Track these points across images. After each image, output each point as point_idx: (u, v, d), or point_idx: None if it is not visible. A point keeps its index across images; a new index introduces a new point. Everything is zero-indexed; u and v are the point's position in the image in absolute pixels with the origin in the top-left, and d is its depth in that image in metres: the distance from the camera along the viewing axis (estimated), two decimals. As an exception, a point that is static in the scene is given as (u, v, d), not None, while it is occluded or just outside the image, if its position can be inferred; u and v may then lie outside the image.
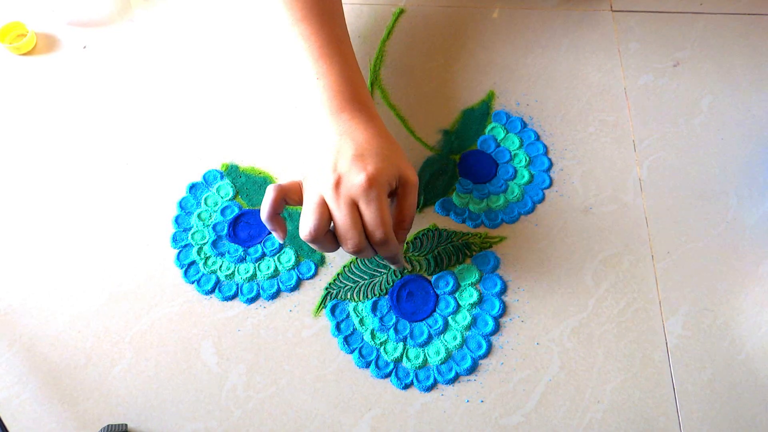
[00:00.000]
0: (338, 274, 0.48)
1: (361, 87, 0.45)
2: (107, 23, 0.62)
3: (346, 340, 0.45)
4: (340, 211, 0.39)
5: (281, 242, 0.45)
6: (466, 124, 0.54)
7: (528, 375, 0.44)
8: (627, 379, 0.43)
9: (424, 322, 0.46)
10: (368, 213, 0.40)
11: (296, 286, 0.47)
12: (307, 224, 0.40)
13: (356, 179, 0.39)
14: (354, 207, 0.40)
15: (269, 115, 0.56)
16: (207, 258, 0.49)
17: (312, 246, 0.42)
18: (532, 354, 0.44)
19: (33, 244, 0.50)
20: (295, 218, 0.50)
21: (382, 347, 0.45)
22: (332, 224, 0.41)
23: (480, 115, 0.55)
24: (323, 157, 0.41)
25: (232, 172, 0.53)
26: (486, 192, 0.51)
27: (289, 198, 0.42)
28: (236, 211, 0.51)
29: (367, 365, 0.44)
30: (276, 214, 0.42)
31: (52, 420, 0.43)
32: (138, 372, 0.44)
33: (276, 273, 0.48)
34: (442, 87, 0.57)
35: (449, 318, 0.46)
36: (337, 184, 0.39)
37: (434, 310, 0.46)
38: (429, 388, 0.43)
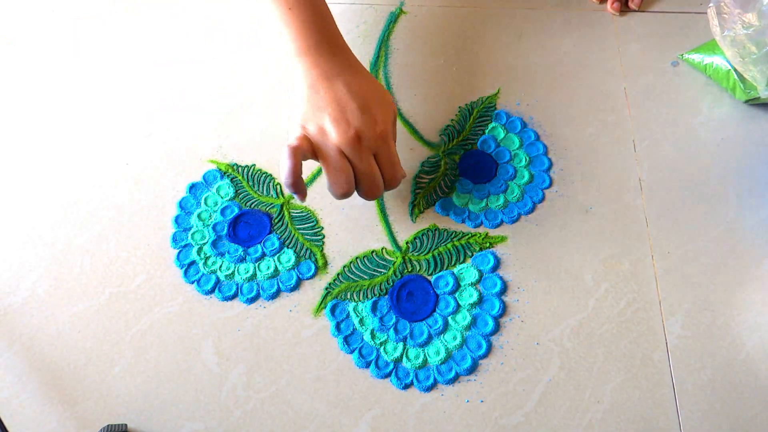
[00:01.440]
0: (338, 274, 0.48)
1: (335, 29, 0.47)
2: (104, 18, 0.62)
3: (346, 340, 0.45)
4: (363, 163, 0.43)
5: (302, 202, 0.48)
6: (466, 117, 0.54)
7: (528, 375, 0.44)
8: (627, 379, 0.43)
9: (424, 322, 0.46)
10: (385, 160, 0.45)
11: (296, 286, 0.47)
12: (339, 183, 0.43)
13: (372, 132, 0.43)
14: (372, 157, 0.44)
15: (270, 115, 0.56)
16: (207, 258, 0.49)
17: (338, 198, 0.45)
18: (532, 354, 0.44)
19: (33, 244, 0.50)
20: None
21: (382, 347, 0.45)
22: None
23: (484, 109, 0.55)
24: (328, 109, 0.43)
25: (232, 171, 0.53)
26: (486, 192, 0.51)
27: (305, 156, 0.43)
28: (236, 211, 0.51)
29: (367, 365, 0.44)
30: (300, 178, 0.42)
31: (52, 420, 0.43)
32: (138, 372, 0.44)
33: (276, 273, 0.48)
34: (443, 87, 0.57)
35: (449, 318, 0.46)
36: (357, 138, 0.43)
37: (434, 310, 0.46)
38: (429, 388, 0.43)
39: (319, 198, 0.51)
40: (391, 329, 0.45)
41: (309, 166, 0.53)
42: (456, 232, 0.49)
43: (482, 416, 0.42)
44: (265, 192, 0.52)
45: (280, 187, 0.52)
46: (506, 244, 0.49)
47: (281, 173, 0.41)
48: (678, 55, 0.57)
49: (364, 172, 0.44)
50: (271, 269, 0.48)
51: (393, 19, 0.61)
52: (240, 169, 0.53)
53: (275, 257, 0.49)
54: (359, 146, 0.43)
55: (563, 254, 0.48)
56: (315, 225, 0.50)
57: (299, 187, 0.42)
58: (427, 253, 0.48)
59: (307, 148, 0.43)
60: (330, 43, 0.46)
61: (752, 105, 0.54)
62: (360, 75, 0.46)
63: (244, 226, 0.50)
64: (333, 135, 0.43)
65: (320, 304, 0.47)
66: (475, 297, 0.46)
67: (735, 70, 0.52)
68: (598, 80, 0.57)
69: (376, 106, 0.44)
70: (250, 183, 0.52)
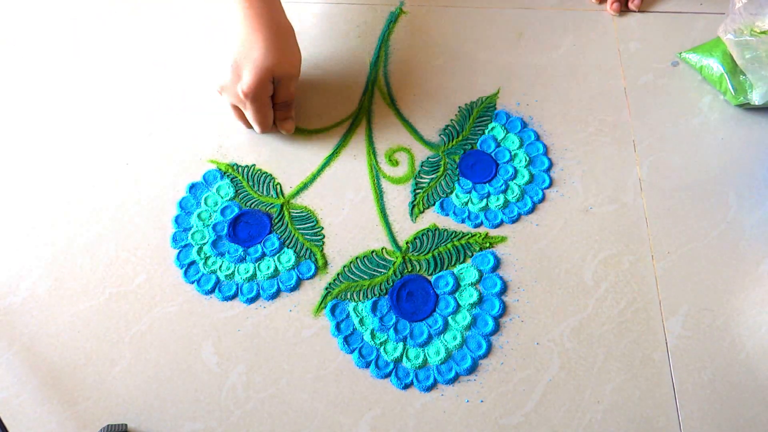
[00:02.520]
0: (338, 274, 0.48)
1: None
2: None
3: (346, 340, 0.45)
4: (231, 108, 0.53)
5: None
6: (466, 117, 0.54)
7: (528, 375, 0.44)
8: (627, 379, 0.43)
9: (424, 322, 0.46)
10: (250, 114, 0.51)
11: (296, 286, 0.47)
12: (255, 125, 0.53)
13: (233, 90, 0.49)
14: (238, 108, 0.52)
15: (269, 115, 0.56)
16: (207, 258, 0.49)
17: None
18: (532, 354, 0.44)
19: (33, 245, 0.50)
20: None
21: (382, 347, 0.45)
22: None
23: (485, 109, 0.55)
24: (222, 54, 0.49)
25: (232, 171, 0.53)
26: (486, 192, 0.51)
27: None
28: (236, 211, 0.51)
29: (367, 365, 0.44)
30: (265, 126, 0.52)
31: (52, 420, 0.43)
32: (138, 372, 0.44)
33: (276, 273, 0.48)
34: (442, 87, 0.57)
35: (449, 318, 0.46)
36: (220, 90, 0.50)
37: (434, 310, 0.46)
38: (429, 388, 0.43)
39: (319, 198, 0.51)
40: (391, 329, 0.45)
41: (309, 168, 0.53)
42: (456, 232, 0.49)
43: (482, 416, 0.42)
44: (265, 192, 0.52)
45: (280, 187, 0.52)
46: (506, 244, 0.49)
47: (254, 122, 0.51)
48: (677, 54, 0.57)
49: (232, 113, 0.53)
50: (271, 269, 0.48)
51: (393, 19, 0.61)
52: (240, 169, 0.53)
53: (275, 257, 0.49)
54: (222, 96, 0.51)
55: (563, 254, 0.48)
56: (315, 225, 0.50)
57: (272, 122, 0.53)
58: (427, 253, 0.48)
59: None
60: None
61: (703, 93, 0.55)
62: (262, 26, 0.48)
63: (244, 226, 0.50)
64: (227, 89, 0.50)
65: (320, 304, 0.47)
66: (475, 297, 0.46)
67: (728, 74, 0.53)
68: (598, 80, 0.57)
69: (248, 66, 0.48)
70: (250, 183, 0.52)
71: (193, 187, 0.52)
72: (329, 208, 0.51)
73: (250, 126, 0.53)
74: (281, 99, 0.52)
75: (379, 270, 0.48)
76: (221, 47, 0.49)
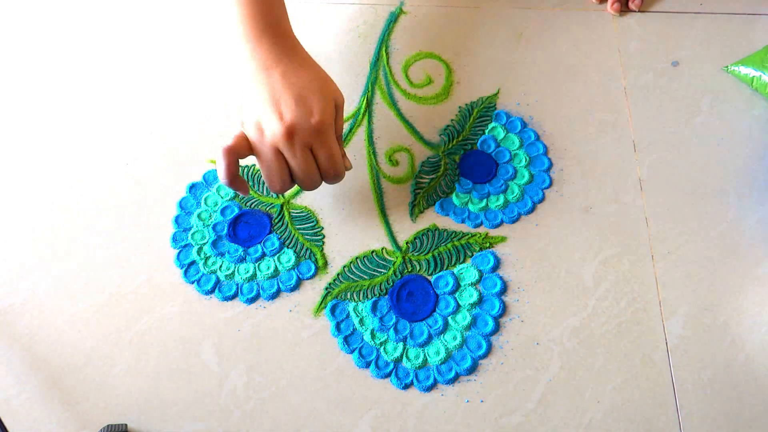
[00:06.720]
0: (338, 274, 0.48)
1: (282, 13, 0.45)
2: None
3: (346, 340, 0.45)
4: (297, 159, 0.42)
5: (246, 195, 0.48)
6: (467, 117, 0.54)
7: (528, 375, 0.44)
8: (627, 379, 0.43)
9: (424, 322, 0.46)
10: (322, 154, 0.43)
11: (296, 286, 0.47)
12: (272, 180, 0.43)
13: (306, 125, 0.41)
14: (308, 151, 0.42)
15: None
16: (207, 258, 0.49)
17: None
18: (532, 354, 0.44)
19: (33, 245, 0.50)
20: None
21: (382, 347, 0.45)
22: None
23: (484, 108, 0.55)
24: (263, 103, 0.42)
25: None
26: (486, 192, 0.51)
27: (241, 155, 0.42)
28: (236, 211, 0.51)
29: (367, 365, 0.44)
30: (235, 177, 0.42)
31: (52, 420, 0.43)
32: (138, 372, 0.44)
33: (276, 273, 0.48)
34: (442, 87, 0.57)
35: (449, 318, 0.46)
36: (290, 133, 0.41)
37: (434, 310, 0.46)
38: (429, 388, 0.43)
39: (319, 198, 0.51)
40: (391, 329, 0.45)
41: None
42: (456, 232, 0.49)
43: (482, 416, 0.42)
44: (265, 192, 0.52)
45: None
46: (506, 244, 0.49)
47: (218, 174, 0.42)
48: (723, 67, 0.56)
49: (298, 167, 0.42)
50: (271, 269, 0.48)
51: (393, 19, 0.61)
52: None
53: (275, 257, 0.49)
54: (292, 141, 0.41)
55: (563, 254, 0.48)
56: (315, 225, 0.50)
57: (237, 185, 0.42)
58: (427, 253, 0.48)
59: (244, 147, 0.42)
60: (274, 29, 0.44)
61: (752, 105, 0.54)
62: (299, 63, 0.44)
63: (244, 226, 0.50)
64: (267, 131, 0.41)
65: (320, 304, 0.47)
66: (475, 297, 0.46)
67: None
68: (598, 80, 0.57)
69: (314, 97, 0.42)
70: (250, 183, 0.52)
71: (193, 187, 0.52)
72: (329, 208, 0.51)
73: (282, 188, 0.44)
74: (338, 131, 0.45)
75: (379, 270, 0.48)
76: (263, 89, 0.42)
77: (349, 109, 0.55)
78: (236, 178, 0.42)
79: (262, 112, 0.41)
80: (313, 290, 0.47)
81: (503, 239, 0.49)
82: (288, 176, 0.43)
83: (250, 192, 0.52)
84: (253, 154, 0.43)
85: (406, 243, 0.49)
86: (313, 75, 0.43)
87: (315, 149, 0.42)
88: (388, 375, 0.44)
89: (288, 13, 0.46)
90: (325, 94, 0.43)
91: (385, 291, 0.47)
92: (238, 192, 0.43)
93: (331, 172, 0.44)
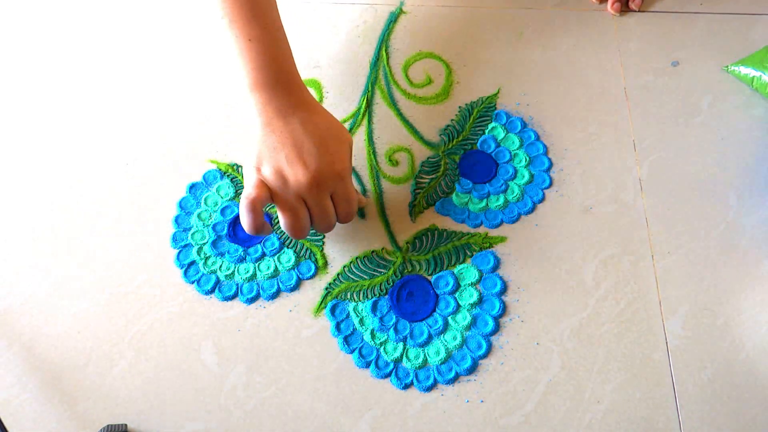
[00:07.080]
0: (338, 274, 0.48)
1: (292, 63, 0.45)
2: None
3: (346, 340, 0.45)
4: (319, 206, 0.43)
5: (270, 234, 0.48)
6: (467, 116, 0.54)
7: (528, 375, 0.44)
8: (627, 379, 0.43)
9: (424, 322, 0.46)
10: (342, 198, 0.44)
11: (296, 286, 0.47)
12: (295, 227, 0.43)
13: (330, 173, 0.42)
14: (329, 197, 0.43)
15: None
16: (207, 258, 0.49)
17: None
18: (532, 354, 0.44)
19: (33, 245, 0.50)
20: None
21: (382, 347, 0.45)
22: None
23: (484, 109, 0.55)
24: (284, 151, 0.42)
25: (232, 171, 0.53)
26: (486, 192, 0.51)
27: (264, 203, 0.42)
28: (236, 211, 0.51)
29: (367, 365, 0.44)
30: (262, 226, 0.42)
31: (52, 420, 0.43)
32: (138, 372, 0.44)
33: (276, 273, 0.48)
34: (442, 87, 0.57)
35: (449, 318, 0.46)
36: (316, 181, 0.41)
37: (434, 310, 0.46)
38: (429, 388, 0.43)
39: (319, 198, 0.51)
40: (391, 329, 0.45)
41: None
42: (456, 233, 0.49)
43: (482, 416, 0.42)
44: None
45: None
46: (506, 244, 0.49)
47: (243, 224, 0.42)
48: (723, 67, 0.56)
49: (319, 213, 0.43)
50: (271, 269, 0.48)
51: (393, 19, 0.61)
52: (240, 169, 0.53)
53: (275, 257, 0.49)
54: (317, 189, 0.42)
55: (563, 254, 0.48)
56: (315, 225, 0.50)
57: (263, 232, 0.42)
58: (427, 253, 0.48)
59: (266, 196, 0.41)
60: (287, 79, 0.44)
61: (752, 105, 0.54)
62: (315, 111, 0.44)
63: (244, 226, 0.50)
64: (291, 179, 0.41)
65: (320, 304, 0.47)
66: (475, 297, 0.46)
67: None
68: (598, 80, 0.57)
69: (334, 144, 0.43)
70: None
71: (193, 187, 0.52)
72: (329, 208, 0.51)
73: (304, 234, 0.44)
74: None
75: (379, 270, 0.48)
76: (283, 137, 0.42)
77: (349, 109, 0.56)
78: (263, 227, 0.42)
79: (285, 160, 0.41)
80: (313, 290, 0.47)
81: (503, 239, 0.49)
82: (309, 222, 0.43)
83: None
84: (271, 202, 0.42)
85: (406, 243, 0.49)
86: (328, 121, 0.44)
87: (335, 194, 0.43)
88: (388, 375, 0.44)
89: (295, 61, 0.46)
90: (341, 141, 0.44)
91: (385, 291, 0.47)
92: (261, 235, 0.43)
93: (349, 216, 0.45)
